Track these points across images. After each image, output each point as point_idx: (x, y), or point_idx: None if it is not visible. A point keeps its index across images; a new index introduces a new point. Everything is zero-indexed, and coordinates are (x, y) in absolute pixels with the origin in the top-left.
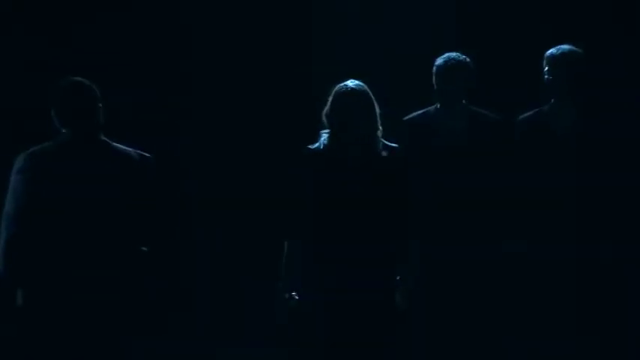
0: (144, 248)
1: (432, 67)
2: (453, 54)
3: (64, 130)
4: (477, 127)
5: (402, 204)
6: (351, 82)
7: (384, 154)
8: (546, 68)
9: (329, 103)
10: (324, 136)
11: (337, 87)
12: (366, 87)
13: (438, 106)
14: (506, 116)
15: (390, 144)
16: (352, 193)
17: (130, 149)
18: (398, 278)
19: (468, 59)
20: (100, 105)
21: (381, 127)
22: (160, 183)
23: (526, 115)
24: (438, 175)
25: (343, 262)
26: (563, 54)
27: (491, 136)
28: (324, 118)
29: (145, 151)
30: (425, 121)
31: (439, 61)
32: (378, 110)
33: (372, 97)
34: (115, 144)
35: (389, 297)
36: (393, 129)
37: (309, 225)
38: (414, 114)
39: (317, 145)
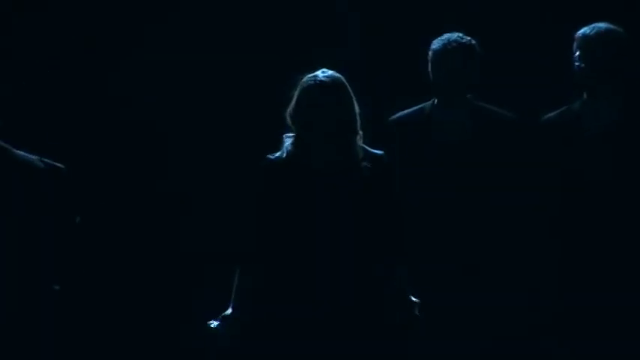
0: (56, 286)
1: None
2: (454, 35)
3: None
4: (485, 126)
5: (390, 223)
6: (322, 73)
7: (365, 163)
8: (577, 53)
9: (294, 99)
10: (288, 141)
11: (304, 78)
12: (341, 78)
13: (436, 101)
14: (523, 116)
15: (373, 151)
16: (323, 214)
17: (34, 157)
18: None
19: (473, 41)
20: None
21: (361, 131)
22: (76, 198)
23: (552, 114)
24: (434, 188)
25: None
26: (599, 34)
27: (505, 139)
28: (287, 119)
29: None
30: (418, 120)
31: (436, 44)
32: (357, 109)
33: (350, 91)
34: (15, 151)
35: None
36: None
37: (266, 252)
38: (404, 112)
39: (279, 153)
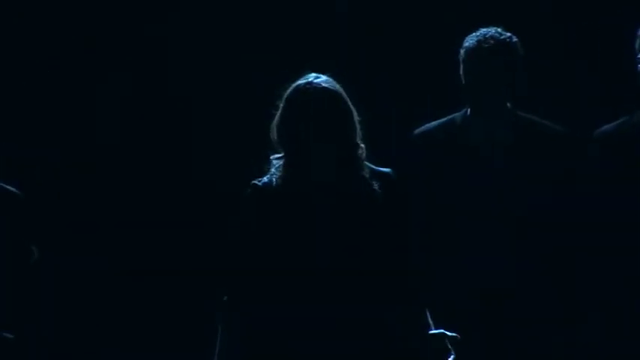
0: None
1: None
2: (491, 30)
3: None
4: (529, 141)
5: (403, 258)
6: (314, 78)
7: (373, 184)
8: None
9: (280, 111)
10: (277, 163)
11: (292, 87)
12: (336, 85)
13: (469, 111)
14: (572, 128)
15: (378, 169)
16: (322, 248)
17: None
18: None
19: (514, 38)
20: None
21: (362, 144)
22: (35, 230)
23: (608, 127)
24: (467, 211)
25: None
26: None
27: (553, 156)
28: (273, 135)
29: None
30: (448, 134)
31: (469, 41)
32: (356, 117)
33: (347, 99)
34: None
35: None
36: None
37: (253, 297)
38: (431, 124)
39: (267, 178)
